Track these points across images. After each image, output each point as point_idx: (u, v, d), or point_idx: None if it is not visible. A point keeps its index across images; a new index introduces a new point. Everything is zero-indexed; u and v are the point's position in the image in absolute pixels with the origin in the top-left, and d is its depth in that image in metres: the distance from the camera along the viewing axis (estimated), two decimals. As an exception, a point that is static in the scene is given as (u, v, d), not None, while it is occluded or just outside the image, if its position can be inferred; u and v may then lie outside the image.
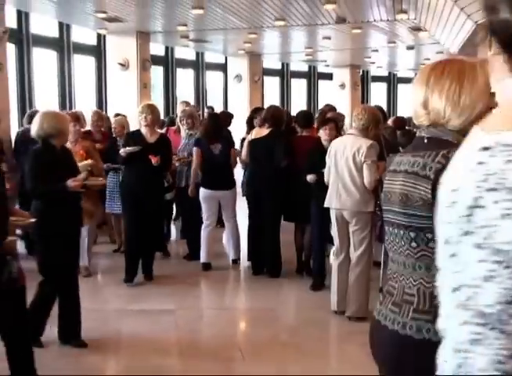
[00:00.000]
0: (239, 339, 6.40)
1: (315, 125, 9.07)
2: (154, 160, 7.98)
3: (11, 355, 4.75)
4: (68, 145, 7.86)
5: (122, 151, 8.20)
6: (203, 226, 9.02)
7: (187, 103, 12.15)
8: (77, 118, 8.91)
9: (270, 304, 7.61)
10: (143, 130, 8.37)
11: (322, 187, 7.18)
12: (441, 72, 2.52)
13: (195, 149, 8.98)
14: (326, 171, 7.09)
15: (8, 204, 4.85)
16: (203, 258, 9.02)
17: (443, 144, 2.49)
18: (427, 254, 2.44)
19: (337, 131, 8.16)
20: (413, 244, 2.48)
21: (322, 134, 7.81)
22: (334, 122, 8.12)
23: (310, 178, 7.54)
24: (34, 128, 5.89)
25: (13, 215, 4.88)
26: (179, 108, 11.53)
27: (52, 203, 5.83)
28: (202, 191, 8.91)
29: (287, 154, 8.48)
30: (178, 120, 9.95)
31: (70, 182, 5.97)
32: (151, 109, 8.44)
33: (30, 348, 4.88)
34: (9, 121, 10.15)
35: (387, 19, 15.08)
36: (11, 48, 13.01)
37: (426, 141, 2.53)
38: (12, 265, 4.57)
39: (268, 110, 9.06)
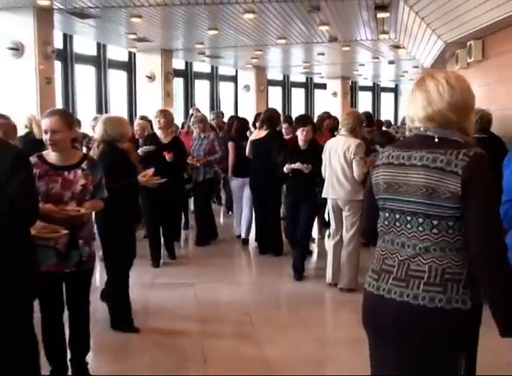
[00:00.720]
0: (248, 307, 6.44)
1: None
2: (168, 156, 8.00)
3: (72, 334, 4.49)
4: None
5: (140, 150, 8.19)
6: (241, 208, 9.30)
7: (197, 110, 12.05)
8: None
9: (274, 278, 7.66)
10: (158, 132, 8.37)
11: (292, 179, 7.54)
12: (438, 80, 2.51)
13: (231, 143, 9.21)
14: (322, 166, 7.15)
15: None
16: (243, 234, 9.32)
17: (453, 143, 2.47)
18: (446, 239, 2.44)
19: (315, 133, 7.96)
20: (434, 231, 2.44)
21: (300, 134, 7.56)
22: (312, 125, 7.82)
23: (286, 167, 7.51)
24: (99, 132, 5.61)
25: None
26: (191, 113, 11.44)
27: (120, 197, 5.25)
28: (235, 180, 9.19)
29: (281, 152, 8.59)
30: (190, 123, 9.85)
31: (141, 178, 5.93)
32: (164, 113, 8.44)
33: (88, 327, 4.56)
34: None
35: (372, 39, 15.13)
36: (58, 65, 13.05)
37: (437, 140, 2.48)
38: (84, 249, 4.32)
39: (265, 112, 9.10)
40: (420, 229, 2.48)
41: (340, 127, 7.33)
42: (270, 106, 21.07)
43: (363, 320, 2.71)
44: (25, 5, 10.69)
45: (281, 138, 8.87)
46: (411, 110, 2.60)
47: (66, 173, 4.23)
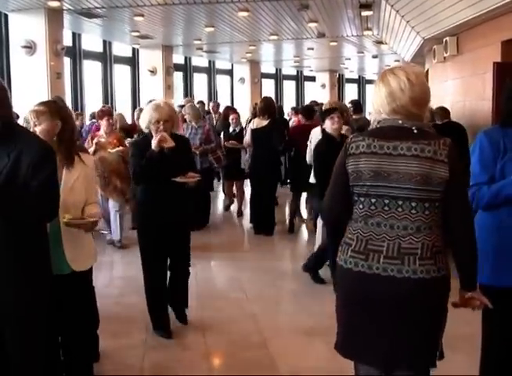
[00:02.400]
0: (243, 283, 6.47)
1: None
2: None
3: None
4: (104, 135, 7.85)
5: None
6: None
7: (189, 100, 11.96)
8: (110, 114, 8.58)
9: (268, 256, 7.68)
10: None
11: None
12: (399, 77, 2.59)
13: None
14: (307, 153, 7.16)
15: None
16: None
17: (429, 134, 2.60)
18: (434, 218, 2.59)
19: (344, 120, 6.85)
20: (426, 212, 2.57)
21: (329, 123, 6.27)
22: (338, 110, 6.55)
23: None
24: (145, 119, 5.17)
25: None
26: (184, 103, 11.38)
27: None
28: None
29: (283, 139, 8.76)
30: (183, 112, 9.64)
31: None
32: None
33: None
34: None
35: (357, 35, 15.14)
36: (67, 61, 13.05)
37: (416, 131, 2.58)
38: None
39: (261, 102, 9.02)
40: (413, 211, 2.58)
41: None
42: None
43: (353, 298, 2.72)
44: (37, 7, 10.71)
45: (285, 126, 8.83)
46: (376, 103, 2.68)
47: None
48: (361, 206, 2.69)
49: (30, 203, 2.95)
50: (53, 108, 3.56)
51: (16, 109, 3.75)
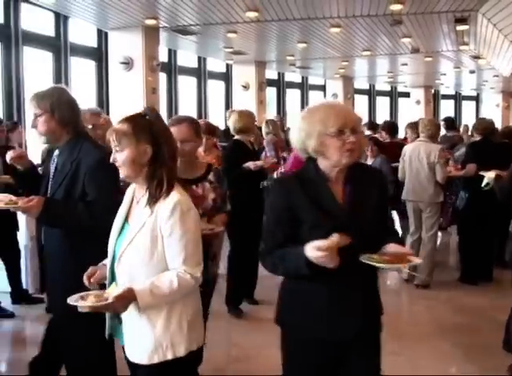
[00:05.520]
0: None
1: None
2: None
3: None
4: (201, 153, 7.73)
5: None
6: None
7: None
8: (212, 130, 8.18)
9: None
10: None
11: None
12: None
13: None
14: (400, 169, 7.10)
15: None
16: None
17: None
18: None
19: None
20: None
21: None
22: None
23: None
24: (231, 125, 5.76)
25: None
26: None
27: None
28: None
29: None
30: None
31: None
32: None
33: None
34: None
35: (453, 50, 14.81)
36: (163, 77, 13.46)
37: None
38: (209, 269, 3.47)
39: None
40: None
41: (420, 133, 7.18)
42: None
43: None
44: (135, 25, 11.13)
45: None
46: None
47: (193, 187, 3.50)
48: None
49: (81, 212, 3.08)
50: (140, 126, 2.55)
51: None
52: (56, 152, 3.41)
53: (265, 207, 2.65)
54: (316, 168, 2.48)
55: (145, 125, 2.56)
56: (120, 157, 2.53)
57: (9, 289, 6.12)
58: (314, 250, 2.23)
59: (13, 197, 3.18)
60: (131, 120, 2.58)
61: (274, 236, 2.50)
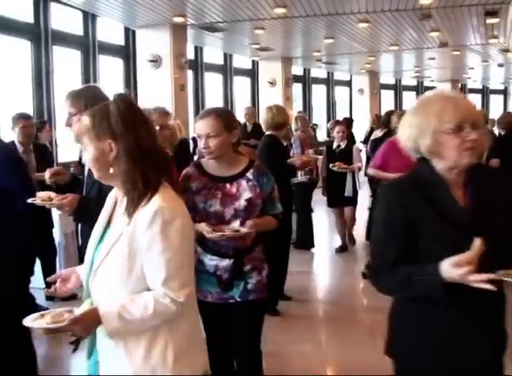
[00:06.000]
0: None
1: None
2: None
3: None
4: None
5: None
6: None
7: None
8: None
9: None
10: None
11: None
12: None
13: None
14: None
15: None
16: None
17: None
18: None
19: None
20: None
21: None
22: None
23: None
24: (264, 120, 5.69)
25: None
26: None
27: None
28: None
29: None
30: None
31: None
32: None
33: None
34: (188, 130, 10.54)
35: (481, 43, 14.64)
36: (190, 74, 13.48)
37: None
38: (250, 276, 3.34)
39: (385, 115, 9.31)
40: None
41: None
42: (383, 108, 20.89)
43: None
44: (162, 23, 11.15)
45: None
46: None
47: (228, 185, 3.30)
48: None
49: None
50: (98, 118, 2.13)
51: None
52: None
53: (373, 216, 2.33)
54: (432, 171, 2.18)
55: (103, 116, 2.10)
56: (86, 157, 2.18)
57: (43, 286, 6.16)
58: (453, 268, 1.94)
59: (53, 195, 3.19)
60: (90, 112, 2.15)
61: (387, 251, 2.19)
